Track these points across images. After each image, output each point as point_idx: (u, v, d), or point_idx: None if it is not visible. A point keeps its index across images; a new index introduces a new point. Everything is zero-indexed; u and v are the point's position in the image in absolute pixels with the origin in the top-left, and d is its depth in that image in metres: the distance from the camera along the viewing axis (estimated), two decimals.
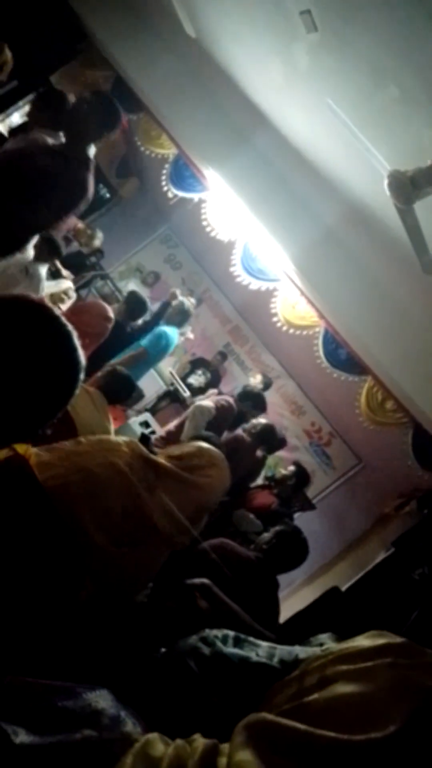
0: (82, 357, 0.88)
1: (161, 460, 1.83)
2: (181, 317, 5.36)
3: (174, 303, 5.41)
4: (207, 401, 4.36)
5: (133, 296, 5.01)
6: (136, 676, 1.19)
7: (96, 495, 1.55)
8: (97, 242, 5.59)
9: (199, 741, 0.76)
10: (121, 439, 1.85)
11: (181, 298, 5.62)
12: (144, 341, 4.96)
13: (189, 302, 6.00)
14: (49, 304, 0.89)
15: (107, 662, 1.25)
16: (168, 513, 1.69)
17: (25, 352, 0.82)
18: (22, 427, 0.86)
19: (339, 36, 2.21)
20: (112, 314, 3.92)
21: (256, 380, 6.30)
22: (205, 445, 2.06)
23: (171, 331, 5.20)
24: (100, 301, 3.99)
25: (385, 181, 2.08)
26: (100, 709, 0.79)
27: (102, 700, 0.81)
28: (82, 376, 0.88)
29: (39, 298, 0.91)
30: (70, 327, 0.86)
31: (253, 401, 4.82)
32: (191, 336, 6.48)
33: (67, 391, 0.87)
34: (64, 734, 0.70)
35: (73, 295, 4.32)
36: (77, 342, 0.87)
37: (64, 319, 0.86)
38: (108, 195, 7.52)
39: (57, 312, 0.86)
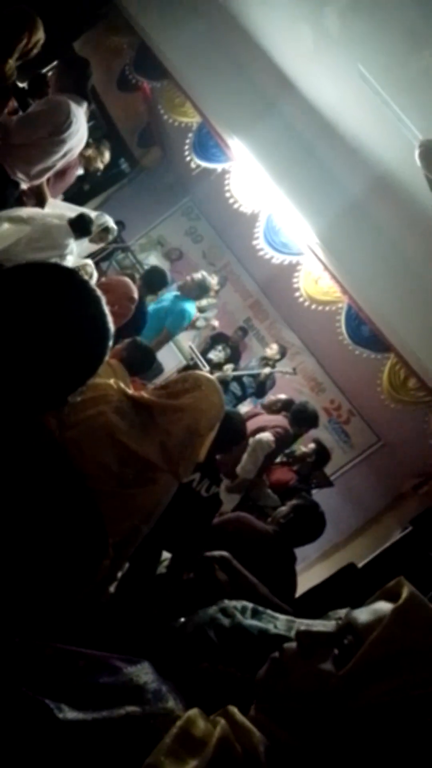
0: (111, 323, 0.87)
1: (145, 395, 1.84)
2: (198, 291, 5.32)
3: (196, 277, 5.37)
4: (266, 434, 4.32)
5: (152, 269, 4.96)
6: (155, 646, 1.20)
7: (91, 448, 1.57)
8: (107, 154, 5.45)
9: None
10: (108, 381, 1.83)
11: (202, 272, 5.58)
12: (167, 322, 4.95)
13: (211, 280, 5.96)
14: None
15: (126, 632, 1.27)
16: (162, 447, 1.71)
17: (55, 316, 0.81)
18: (52, 394, 0.86)
19: None
20: (136, 294, 3.88)
21: (272, 351, 6.30)
22: (192, 371, 2.05)
23: (190, 307, 5.19)
24: (124, 279, 3.93)
25: (417, 151, 2.02)
26: (141, 683, 0.78)
27: (143, 674, 0.80)
28: (111, 342, 0.87)
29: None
30: (99, 292, 0.85)
31: (309, 423, 4.84)
32: (216, 323, 6.46)
33: (98, 356, 0.86)
34: (108, 710, 0.69)
35: (92, 272, 4.29)
36: (106, 308, 0.86)
37: (93, 285, 0.85)
38: (128, 167, 7.43)
39: (86, 278, 0.85)
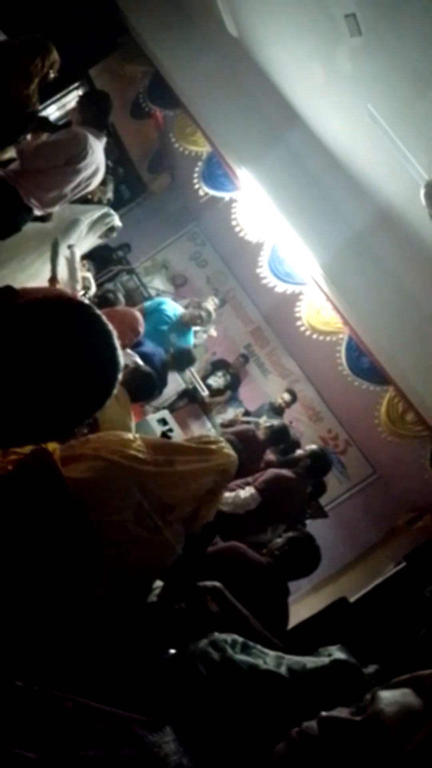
0: (121, 357, 0.88)
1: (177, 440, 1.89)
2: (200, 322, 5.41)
3: (201, 311, 5.43)
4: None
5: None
6: (144, 677, 1.18)
7: (113, 486, 1.59)
8: (110, 194, 5.52)
9: None
10: (132, 434, 1.94)
11: (207, 305, 5.63)
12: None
13: (212, 304, 6.03)
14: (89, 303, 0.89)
15: (117, 661, 1.25)
16: (186, 490, 1.80)
17: (66, 349, 0.81)
18: (60, 426, 0.86)
19: (383, 41, 2.18)
20: (141, 327, 3.91)
21: (284, 399, 6.32)
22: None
23: (192, 338, 5.36)
24: (133, 313, 3.96)
25: (422, 191, 2.05)
26: (162, 756, 0.75)
27: (165, 745, 0.77)
28: (120, 375, 0.88)
29: (79, 298, 0.91)
30: (110, 326, 0.86)
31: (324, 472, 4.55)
32: (214, 334, 6.49)
33: (106, 389, 0.87)
34: None
35: (91, 285, 4.31)
36: (117, 342, 0.87)
37: (105, 318, 0.86)
38: (129, 194, 7.50)
39: (98, 311, 0.86)
